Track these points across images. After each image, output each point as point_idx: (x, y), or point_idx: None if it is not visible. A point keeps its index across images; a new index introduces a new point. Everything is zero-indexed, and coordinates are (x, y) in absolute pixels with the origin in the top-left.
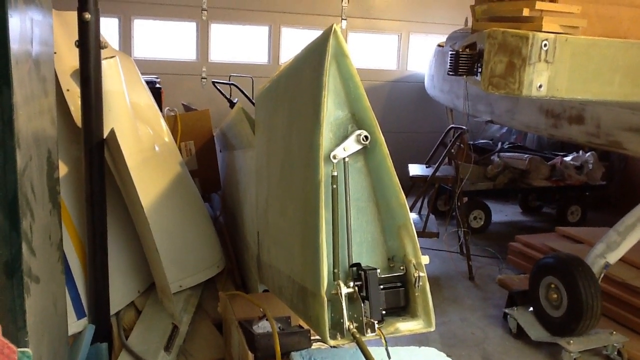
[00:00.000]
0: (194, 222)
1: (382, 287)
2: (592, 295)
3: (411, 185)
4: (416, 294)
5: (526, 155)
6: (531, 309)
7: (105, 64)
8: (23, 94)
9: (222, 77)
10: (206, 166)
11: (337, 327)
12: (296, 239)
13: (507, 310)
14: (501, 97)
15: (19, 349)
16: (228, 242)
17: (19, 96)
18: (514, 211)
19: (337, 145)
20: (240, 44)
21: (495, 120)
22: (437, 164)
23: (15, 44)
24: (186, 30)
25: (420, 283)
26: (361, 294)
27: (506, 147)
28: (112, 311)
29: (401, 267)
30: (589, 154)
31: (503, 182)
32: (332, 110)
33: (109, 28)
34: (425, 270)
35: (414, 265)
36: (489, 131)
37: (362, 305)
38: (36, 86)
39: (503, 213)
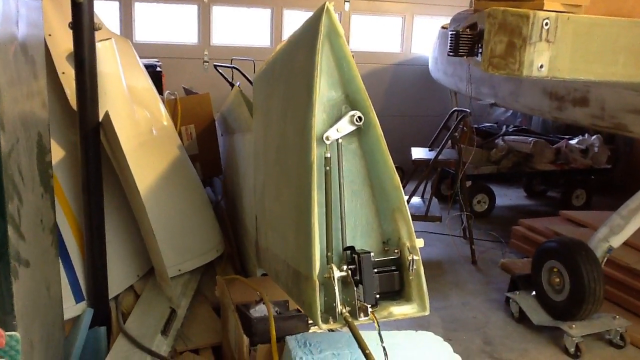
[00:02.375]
0: (193, 206)
1: (376, 270)
2: (594, 279)
3: (414, 169)
4: (410, 277)
5: (531, 139)
6: (533, 293)
7: (100, 47)
8: (8, 76)
9: (224, 60)
10: (207, 150)
11: (330, 311)
12: (290, 222)
13: (509, 295)
14: (505, 80)
15: (7, 333)
16: (228, 226)
17: (3, 78)
18: (519, 195)
19: (331, 126)
20: (242, 27)
21: (499, 103)
22: (439, 148)
23: None
24: (187, 13)
25: (415, 267)
26: (355, 277)
27: (511, 130)
28: (111, 295)
29: (395, 251)
30: (594, 137)
31: (507, 166)
32: (325, 91)
33: (110, 12)
34: (419, 254)
35: (408, 249)
36: (493, 115)
37: (356, 289)
38: (23, 68)
39: (507, 197)
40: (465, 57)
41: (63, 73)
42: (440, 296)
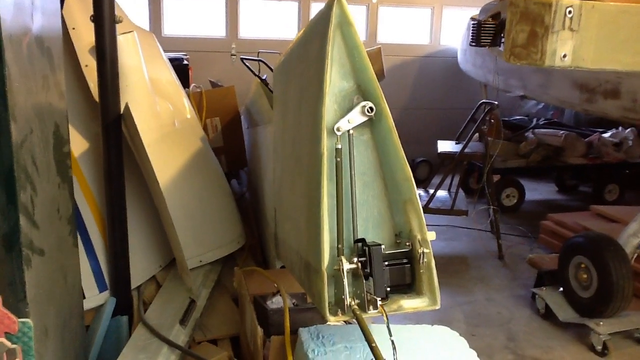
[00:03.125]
0: (214, 197)
1: (386, 263)
2: (623, 276)
3: (440, 162)
4: (421, 270)
5: (562, 132)
6: (561, 289)
7: (122, 39)
8: (20, 68)
9: (252, 53)
10: (232, 143)
11: (340, 304)
12: (302, 214)
13: (535, 290)
14: (534, 71)
15: (20, 319)
16: (252, 218)
17: (14, 71)
18: (550, 190)
19: (343, 117)
20: (269, 20)
21: (528, 95)
22: (465, 141)
23: (7, 16)
24: (216, 6)
25: (425, 260)
26: (365, 270)
27: (541, 123)
28: (134, 285)
29: (407, 244)
30: (628, 130)
31: (536, 160)
32: (337, 82)
33: (139, 6)
34: (430, 247)
35: (419, 242)
36: (525, 107)
37: (366, 282)
38: (38, 60)
39: (538, 191)
40: (487, 47)
41: (86, 66)
42: (464, 291)
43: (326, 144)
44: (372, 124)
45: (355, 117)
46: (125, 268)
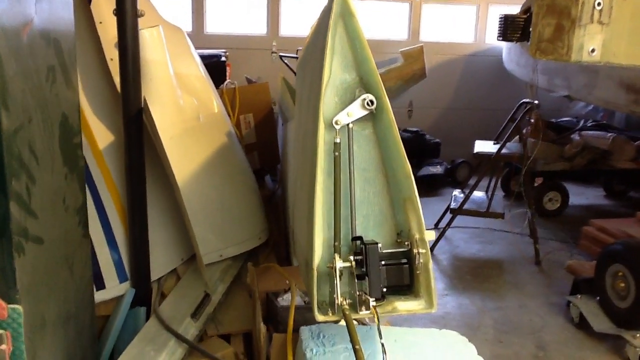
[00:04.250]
0: (237, 193)
1: (383, 263)
2: None
3: (478, 163)
4: (417, 272)
5: (609, 134)
6: (597, 298)
7: (146, 33)
8: (16, 57)
9: (292, 51)
10: (265, 139)
11: (334, 303)
12: (305, 209)
13: (569, 298)
14: (579, 71)
15: (10, 305)
16: (281, 215)
17: (9, 59)
18: (596, 195)
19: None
20: (310, 18)
21: (573, 95)
22: (503, 141)
23: (1, 5)
24: (257, 5)
25: (421, 260)
26: (362, 269)
27: (589, 125)
28: (155, 277)
29: (406, 243)
30: None
31: (582, 163)
32: (338, 73)
33: (182, 5)
34: (427, 247)
35: (416, 241)
36: (573, 109)
37: (358, 281)
38: (42, 50)
39: (584, 196)
40: (515, 42)
41: (111, 59)
42: (496, 296)
43: (323, 136)
44: (374, 118)
45: (355, 110)
46: (145, 260)
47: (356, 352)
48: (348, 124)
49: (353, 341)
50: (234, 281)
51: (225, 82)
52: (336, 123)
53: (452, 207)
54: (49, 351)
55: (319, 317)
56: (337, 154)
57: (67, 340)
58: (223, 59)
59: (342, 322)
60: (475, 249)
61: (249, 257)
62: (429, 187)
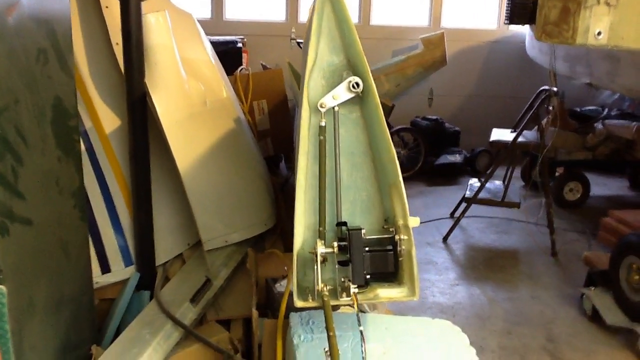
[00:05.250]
0: (243, 178)
1: (367, 249)
2: None
3: (496, 152)
4: (400, 258)
5: (634, 123)
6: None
7: (151, 18)
8: (2, 38)
9: None
10: (278, 125)
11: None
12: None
13: (583, 290)
14: (601, 58)
15: None
16: (292, 202)
17: None
18: (620, 185)
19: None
20: None
21: (594, 82)
22: (519, 129)
23: None
24: None
25: (404, 247)
26: (347, 255)
27: (613, 114)
28: (160, 261)
29: (391, 230)
30: None
31: (604, 153)
32: (325, 55)
33: None
34: (411, 234)
35: (400, 227)
36: (599, 97)
37: (342, 267)
38: (28, 29)
39: (607, 187)
40: (522, 25)
41: (117, 44)
42: (509, 287)
43: (308, 119)
44: (361, 102)
45: (341, 93)
46: (150, 245)
47: (330, 339)
48: (334, 107)
49: (328, 328)
50: (238, 267)
51: (240, 69)
52: (321, 106)
53: (466, 196)
54: (40, 333)
55: (298, 303)
56: (322, 137)
57: (61, 324)
58: (239, 45)
59: (340, 310)
60: (491, 239)
61: (256, 243)
62: (447, 175)
